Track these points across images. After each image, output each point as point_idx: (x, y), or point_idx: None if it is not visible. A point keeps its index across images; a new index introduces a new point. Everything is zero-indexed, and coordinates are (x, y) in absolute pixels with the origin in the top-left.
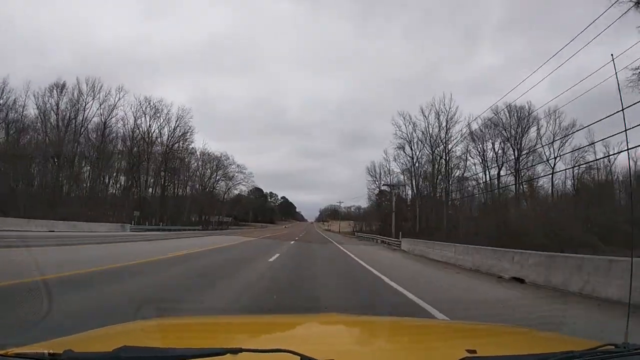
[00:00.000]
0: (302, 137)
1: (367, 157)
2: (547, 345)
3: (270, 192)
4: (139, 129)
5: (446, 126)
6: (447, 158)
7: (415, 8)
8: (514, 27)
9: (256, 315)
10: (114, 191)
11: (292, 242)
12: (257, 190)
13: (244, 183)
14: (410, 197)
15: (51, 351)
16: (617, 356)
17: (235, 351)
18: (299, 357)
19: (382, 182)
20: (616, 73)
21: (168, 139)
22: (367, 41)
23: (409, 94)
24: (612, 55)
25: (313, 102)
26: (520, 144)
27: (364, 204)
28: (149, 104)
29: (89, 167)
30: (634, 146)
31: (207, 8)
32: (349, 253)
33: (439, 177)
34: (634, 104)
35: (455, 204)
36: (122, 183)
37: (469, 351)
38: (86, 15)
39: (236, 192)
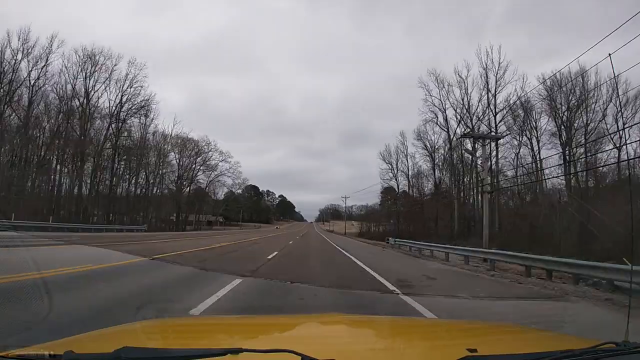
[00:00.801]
0: (302, 137)
1: (368, 157)
2: (547, 343)
3: (267, 190)
4: (76, 93)
5: (495, 89)
6: (497, 134)
7: (416, 6)
8: (516, 23)
9: (256, 316)
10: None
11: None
12: (253, 188)
13: (228, 174)
14: (430, 188)
15: (52, 352)
16: (617, 355)
17: (236, 351)
18: (300, 357)
19: (464, 131)
20: (614, 73)
21: (116, 106)
22: (367, 41)
23: (409, 95)
24: (609, 54)
25: (313, 102)
26: (587, 114)
27: (370, 201)
28: (91, 59)
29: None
30: None
31: (208, 7)
32: None
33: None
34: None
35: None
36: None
37: (469, 350)
38: (82, 13)
39: (220, 184)
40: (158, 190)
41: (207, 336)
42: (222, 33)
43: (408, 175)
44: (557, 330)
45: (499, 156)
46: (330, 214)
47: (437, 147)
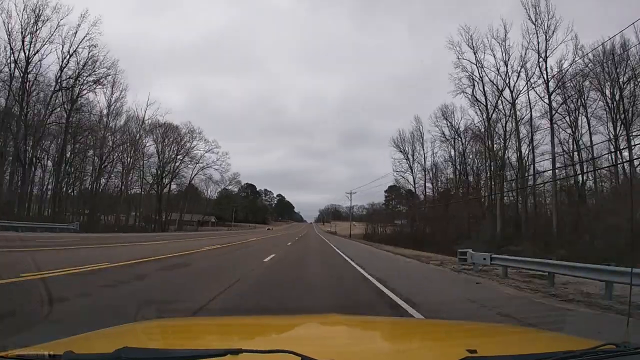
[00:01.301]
0: (302, 137)
1: (368, 157)
2: (547, 344)
3: (265, 190)
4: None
5: (546, 51)
6: (551, 111)
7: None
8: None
9: (256, 316)
10: None
11: None
12: (249, 187)
13: (215, 167)
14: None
15: (52, 352)
16: (618, 356)
17: (236, 352)
18: (300, 358)
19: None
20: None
21: (62, 70)
22: (367, 41)
23: (410, 95)
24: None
25: (313, 102)
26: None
27: (374, 200)
28: (34, 12)
29: None
30: None
31: (208, 7)
32: None
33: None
34: None
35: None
36: None
37: (469, 351)
38: (80, 11)
39: (206, 178)
40: (132, 185)
41: (207, 336)
42: (222, 33)
43: (424, 166)
44: (557, 331)
45: (528, 142)
46: (331, 214)
47: (461, 131)
